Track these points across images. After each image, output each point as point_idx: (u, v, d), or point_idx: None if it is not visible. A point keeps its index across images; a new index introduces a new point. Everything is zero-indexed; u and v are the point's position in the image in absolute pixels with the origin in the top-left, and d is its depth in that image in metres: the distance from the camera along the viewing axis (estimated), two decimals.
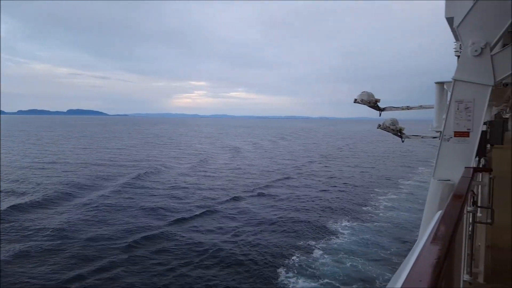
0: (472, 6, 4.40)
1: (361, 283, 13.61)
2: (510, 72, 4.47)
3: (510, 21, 4.22)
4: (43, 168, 38.41)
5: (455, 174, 4.55)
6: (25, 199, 24.67)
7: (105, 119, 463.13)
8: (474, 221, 4.05)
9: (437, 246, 1.66)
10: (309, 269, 14.80)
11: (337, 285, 13.56)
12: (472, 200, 3.92)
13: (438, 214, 2.37)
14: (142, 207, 23.37)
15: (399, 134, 9.47)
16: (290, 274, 14.33)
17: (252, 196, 27.69)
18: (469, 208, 3.73)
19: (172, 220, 20.83)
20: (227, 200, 25.90)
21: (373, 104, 9.89)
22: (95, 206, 23.16)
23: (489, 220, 5.05)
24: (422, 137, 10.05)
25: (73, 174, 34.86)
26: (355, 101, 9.82)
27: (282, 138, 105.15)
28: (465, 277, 3.99)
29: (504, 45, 4.64)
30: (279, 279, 13.96)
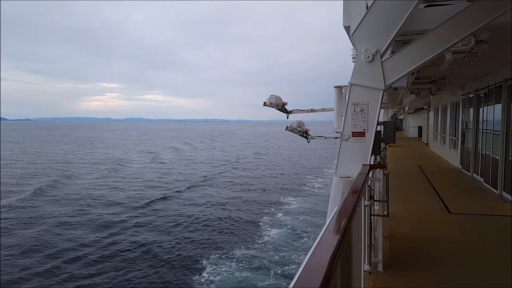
0: (364, 17, 4.65)
1: (313, 227, 21.02)
2: (398, 77, 4.73)
3: (396, 31, 4.51)
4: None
5: (354, 171, 4.66)
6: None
7: (7, 124, 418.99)
8: (371, 214, 4.21)
9: (331, 239, 1.67)
10: (277, 223, 21.89)
11: (296, 229, 20.83)
12: (369, 195, 4.12)
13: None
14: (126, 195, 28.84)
15: (305, 135, 9.96)
16: (266, 226, 21.22)
17: (219, 181, 35.17)
18: (366, 202, 3.90)
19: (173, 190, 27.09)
20: (198, 183, 33.16)
21: (281, 107, 10.14)
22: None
23: (385, 213, 5.36)
24: (325, 138, 10.49)
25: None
26: (265, 104, 9.96)
27: (214, 139, 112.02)
28: (366, 267, 4.10)
29: (392, 53, 4.92)
30: (260, 229, 20.83)
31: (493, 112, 10.60)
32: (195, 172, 40.84)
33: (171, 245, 18.07)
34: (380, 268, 4.72)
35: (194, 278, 14.66)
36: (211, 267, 15.57)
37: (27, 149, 69.74)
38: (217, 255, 16.89)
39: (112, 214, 23.43)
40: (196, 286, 14.06)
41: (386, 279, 4.53)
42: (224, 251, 17.36)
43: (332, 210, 4.15)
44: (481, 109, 12.09)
